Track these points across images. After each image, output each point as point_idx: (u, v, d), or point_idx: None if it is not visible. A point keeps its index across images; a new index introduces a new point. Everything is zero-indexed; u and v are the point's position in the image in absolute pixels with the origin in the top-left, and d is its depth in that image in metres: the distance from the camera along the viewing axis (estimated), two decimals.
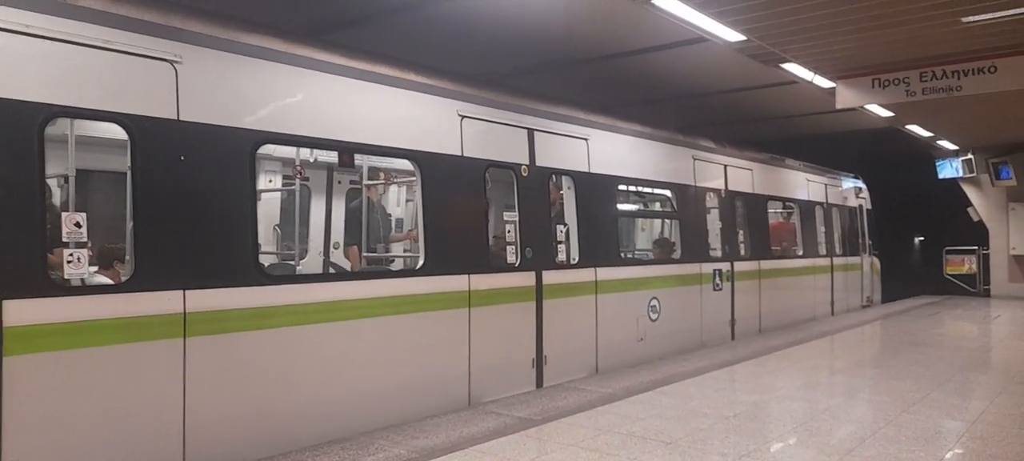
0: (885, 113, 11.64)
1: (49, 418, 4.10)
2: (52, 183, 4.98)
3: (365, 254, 7.56)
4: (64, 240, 4.24)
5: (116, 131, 4.61)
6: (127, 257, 4.83)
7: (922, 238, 23.19)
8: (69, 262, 4.22)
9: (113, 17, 4.49)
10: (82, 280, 4.47)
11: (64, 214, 4.30)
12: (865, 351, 10.43)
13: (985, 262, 19.23)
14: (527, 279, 7.22)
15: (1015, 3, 6.67)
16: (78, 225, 4.26)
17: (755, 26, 7.34)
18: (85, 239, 4.30)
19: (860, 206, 16.39)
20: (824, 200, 14.54)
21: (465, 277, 6.57)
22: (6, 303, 3.93)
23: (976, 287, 19.42)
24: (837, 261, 14.74)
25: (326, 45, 5.94)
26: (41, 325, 4.07)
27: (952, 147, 17.18)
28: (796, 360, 9.00)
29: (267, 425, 5.08)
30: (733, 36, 7.59)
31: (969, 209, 19.05)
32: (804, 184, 13.79)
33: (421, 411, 6.10)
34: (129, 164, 4.57)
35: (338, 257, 8.22)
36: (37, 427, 4.06)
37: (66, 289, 4.27)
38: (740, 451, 5.12)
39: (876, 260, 17.14)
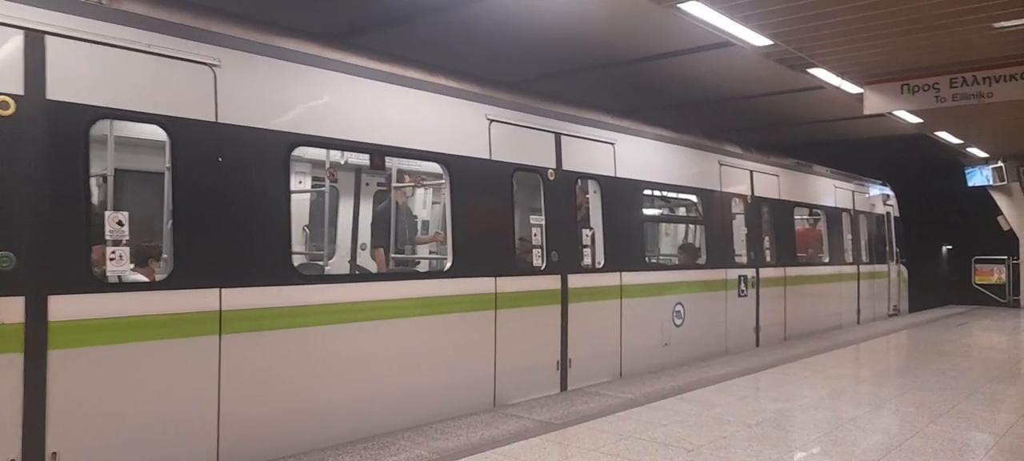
0: (914, 119, 11.47)
1: (90, 411, 4.24)
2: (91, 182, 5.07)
3: (392, 256, 7.62)
4: (106, 238, 4.37)
5: (153, 131, 4.75)
6: (165, 255, 4.97)
7: (950, 247, 22.81)
8: (111, 260, 4.36)
9: (154, 21, 4.63)
10: (119, 277, 4.59)
11: (106, 213, 4.44)
12: (891, 361, 10.28)
13: (1015, 272, 18.88)
14: (553, 282, 7.28)
15: None
16: (120, 223, 4.41)
17: (782, 31, 7.29)
18: (126, 237, 4.45)
19: (888, 213, 16.28)
20: (851, 207, 14.46)
21: (492, 279, 6.65)
22: (52, 299, 4.08)
23: (1006, 297, 19.07)
24: (863, 269, 14.64)
25: (358, 49, 6.03)
26: (84, 320, 4.22)
27: (982, 154, 16.91)
28: (820, 369, 8.90)
29: (298, 422, 5.19)
30: (760, 41, 7.54)
31: (999, 218, 18.72)
32: (831, 190, 13.74)
33: (447, 411, 6.17)
34: (169, 165, 4.73)
35: (364, 259, 8.27)
36: (79, 419, 4.20)
37: (108, 286, 4.43)
38: (763, 460, 5.08)
39: (904, 268, 16.96)
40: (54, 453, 4.10)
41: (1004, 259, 19.17)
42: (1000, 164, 17.01)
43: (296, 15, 7.80)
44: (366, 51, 6.06)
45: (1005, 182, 17.35)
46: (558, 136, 7.50)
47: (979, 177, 17.79)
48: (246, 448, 4.87)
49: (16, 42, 4.08)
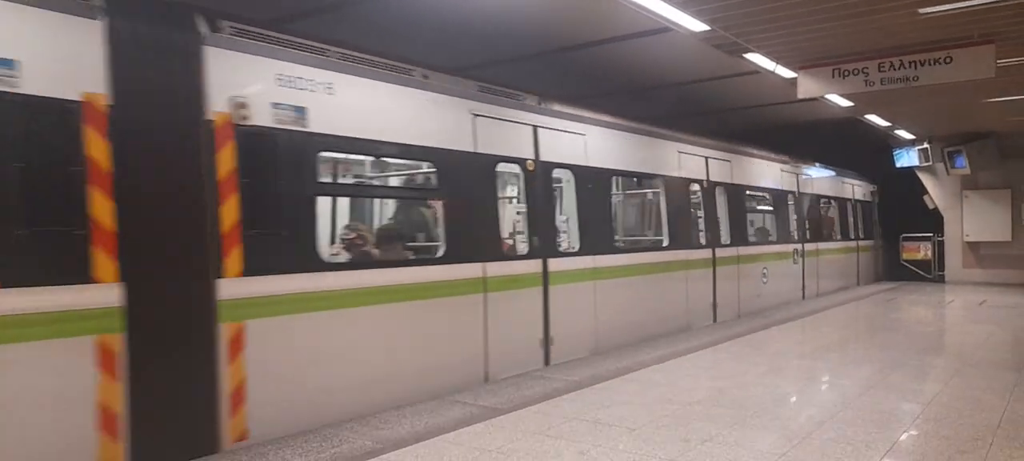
0: (845, 103, 11.83)
1: (560, 317, 8.01)
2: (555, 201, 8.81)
3: (623, 237, 11.91)
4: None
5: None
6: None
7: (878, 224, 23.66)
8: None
9: (564, 113, 8.52)
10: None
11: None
12: (827, 336, 10.62)
13: (940, 249, 19.72)
14: (708, 254, 11.31)
15: None
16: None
17: (719, 16, 7.39)
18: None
19: (872, 200, 20.53)
20: (853, 197, 18.77)
21: (685, 251, 10.67)
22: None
23: (931, 273, 19.92)
24: (861, 244, 19.11)
25: (625, 115, 9.98)
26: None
27: (909, 136, 17.54)
28: (761, 345, 9.16)
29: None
30: (697, 26, 7.63)
31: (925, 197, 19.48)
32: (841, 185, 18.13)
33: (664, 331, 9.98)
34: (575, 190, 8.52)
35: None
36: (556, 322, 7.95)
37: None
38: (701, 436, 5.19)
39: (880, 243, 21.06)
40: (551, 337, 7.88)
41: (930, 236, 20.00)
42: (926, 146, 17.64)
43: (235, 3, 7.52)
44: (631, 117, 10.10)
45: (930, 163, 18.02)
46: (706, 159, 11.58)
47: (906, 158, 18.44)
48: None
49: (530, 133, 7.90)
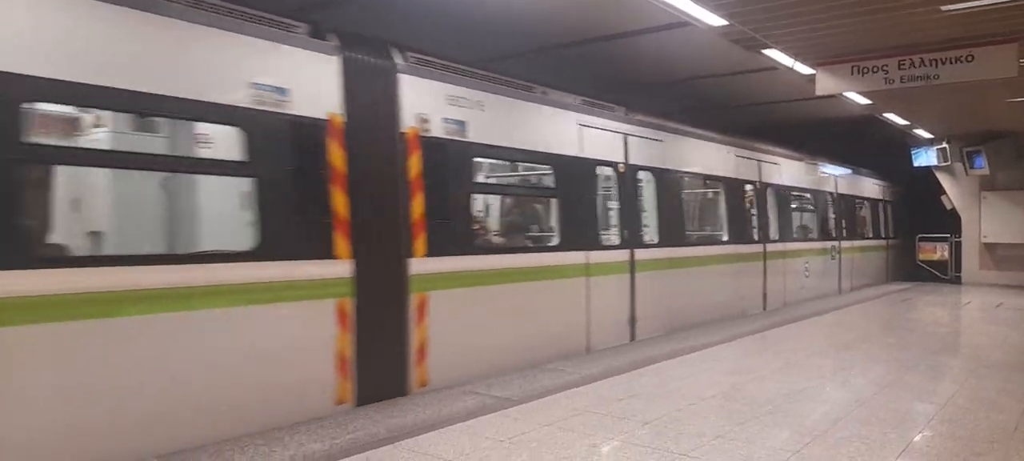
0: (863, 101, 11.74)
1: (643, 298, 9.13)
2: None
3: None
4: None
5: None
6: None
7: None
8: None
9: (641, 120, 9.60)
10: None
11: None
12: (842, 333, 10.56)
13: (957, 249, 19.52)
14: (759, 248, 12.65)
15: None
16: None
17: (738, 11, 7.35)
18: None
19: (899, 201, 21.26)
20: (882, 197, 19.93)
21: (741, 245, 12.01)
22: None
23: (948, 274, 19.73)
24: (890, 242, 20.25)
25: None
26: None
27: (927, 135, 17.37)
28: (776, 342, 9.14)
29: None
30: (715, 21, 7.59)
31: (942, 197, 19.29)
32: (874, 187, 19.35)
33: (728, 314, 11.33)
34: (655, 189, 9.58)
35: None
36: (641, 301, 9.10)
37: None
38: (716, 431, 5.19)
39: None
40: (636, 317, 9.01)
41: (947, 237, 19.81)
42: (944, 145, 17.44)
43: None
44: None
45: (949, 162, 17.82)
46: (759, 162, 12.95)
47: (924, 157, 18.25)
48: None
49: (621, 140, 9.03)
